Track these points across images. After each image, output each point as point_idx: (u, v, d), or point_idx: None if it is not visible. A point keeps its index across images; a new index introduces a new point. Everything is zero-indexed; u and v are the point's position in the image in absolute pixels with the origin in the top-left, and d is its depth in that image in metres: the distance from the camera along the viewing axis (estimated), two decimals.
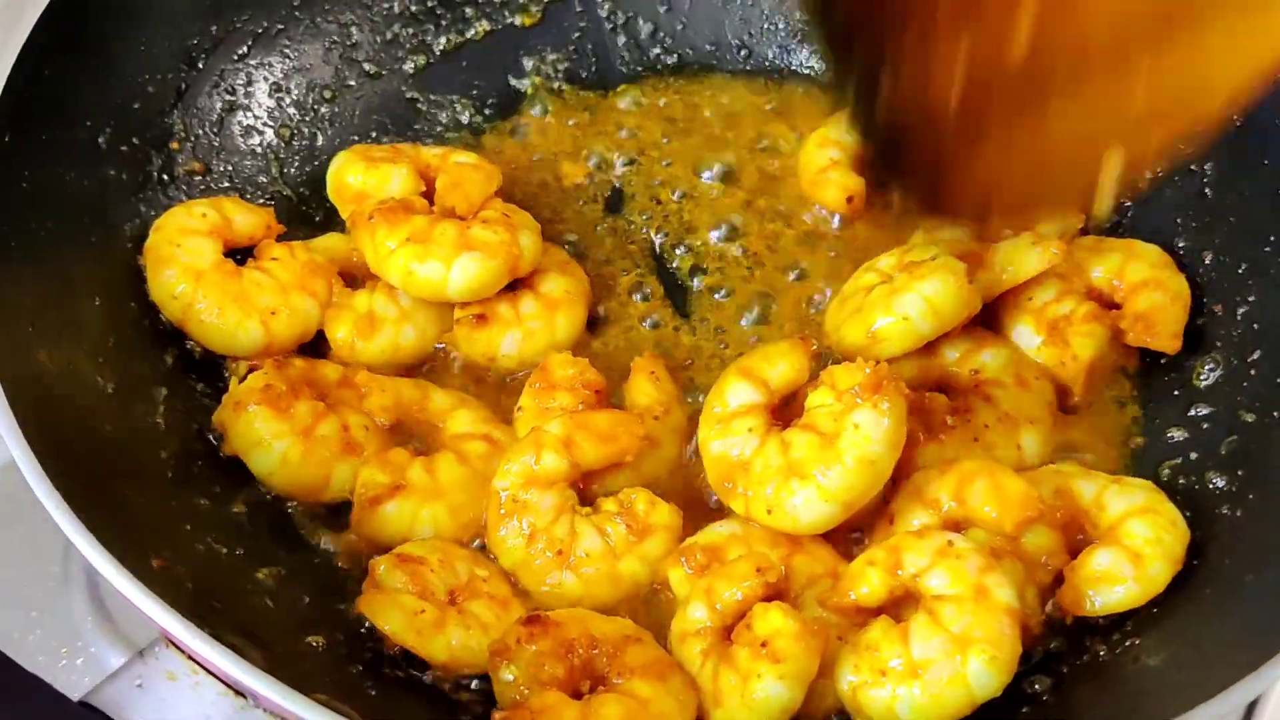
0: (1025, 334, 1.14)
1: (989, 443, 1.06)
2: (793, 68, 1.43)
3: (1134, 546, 0.98)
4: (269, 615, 0.98)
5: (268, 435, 1.07)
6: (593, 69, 1.41)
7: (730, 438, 1.04)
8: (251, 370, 1.12)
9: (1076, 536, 1.02)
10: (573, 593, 1.04)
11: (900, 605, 0.97)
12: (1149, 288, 1.14)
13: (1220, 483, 1.04)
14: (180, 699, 0.81)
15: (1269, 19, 0.76)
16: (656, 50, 1.42)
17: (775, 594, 0.98)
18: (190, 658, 0.82)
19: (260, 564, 1.02)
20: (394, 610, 0.97)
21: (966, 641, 0.91)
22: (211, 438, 1.10)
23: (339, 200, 1.24)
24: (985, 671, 0.90)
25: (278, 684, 0.77)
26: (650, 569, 1.05)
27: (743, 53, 1.43)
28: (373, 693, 0.95)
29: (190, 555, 0.98)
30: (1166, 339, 1.12)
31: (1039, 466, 1.07)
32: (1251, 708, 1.12)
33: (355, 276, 1.21)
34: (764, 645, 0.93)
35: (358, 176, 1.22)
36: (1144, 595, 0.97)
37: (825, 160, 1.28)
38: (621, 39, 1.42)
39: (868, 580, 0.97)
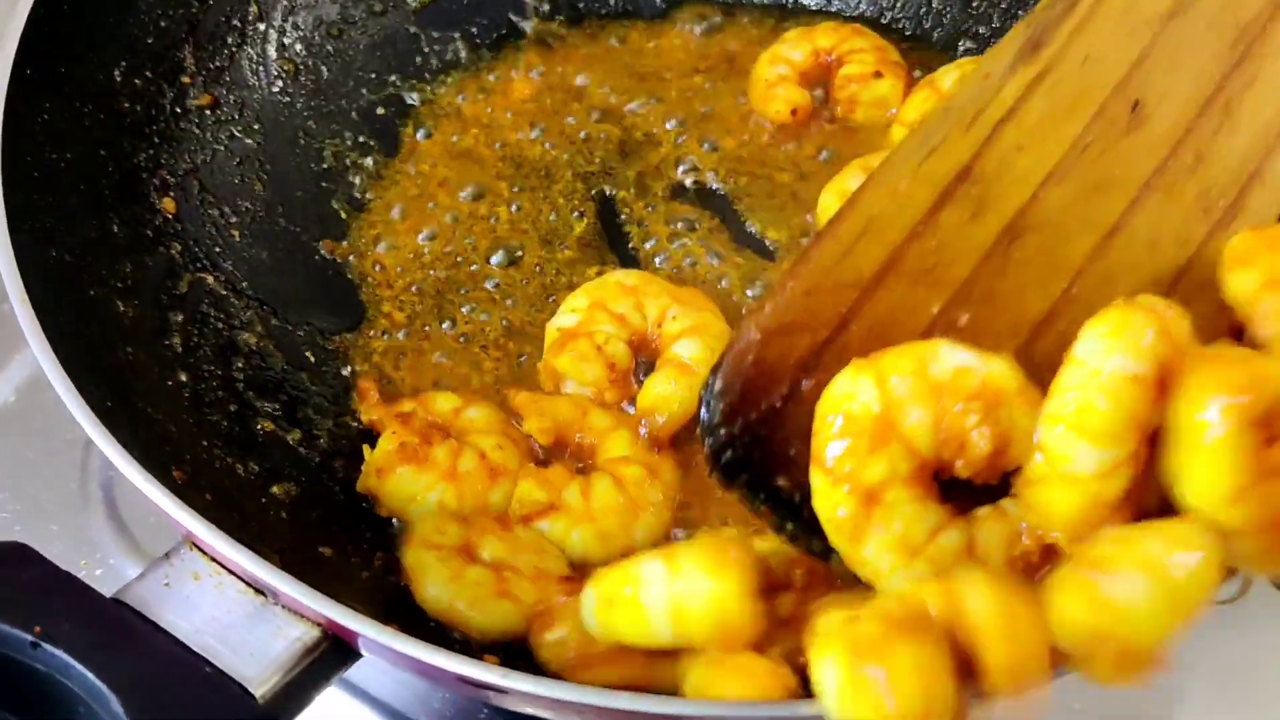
0: None
1: None
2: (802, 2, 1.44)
3: None
4: (282, 527, 1.04)
5: (419, 491, 1.05)
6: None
7: None
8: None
9: None
10: None
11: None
12: None
13: None
14: (204, 597, 0.86)
15: None
16: None
17: None
18: (213, 559, 0.87)
19: (274, 480, 1.08)
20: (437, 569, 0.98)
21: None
22: (229, 362, 1.15)
23: None
24: None
25: (298, 582, 0.83)
26: None
27: None
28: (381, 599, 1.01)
29: (209, 470, 1.04)
30: None
31: None
32: None
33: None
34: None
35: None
36: None
37: (774, 75, 1.33)
38: None
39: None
